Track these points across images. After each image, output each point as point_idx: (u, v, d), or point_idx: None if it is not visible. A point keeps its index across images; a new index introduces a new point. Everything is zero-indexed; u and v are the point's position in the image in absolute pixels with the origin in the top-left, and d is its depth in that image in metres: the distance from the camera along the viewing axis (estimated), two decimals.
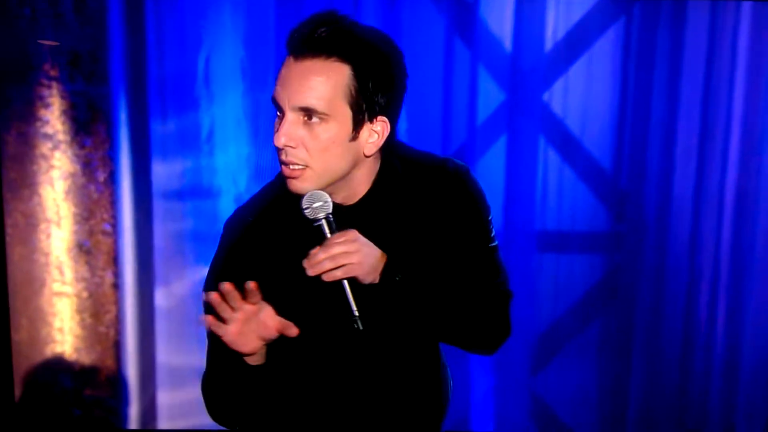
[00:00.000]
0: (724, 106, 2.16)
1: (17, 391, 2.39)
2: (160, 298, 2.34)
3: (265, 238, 1.07)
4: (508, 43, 2.19)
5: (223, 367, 1.05)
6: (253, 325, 1.01)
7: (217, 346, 1.03)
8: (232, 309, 0.99)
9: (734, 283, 2.20)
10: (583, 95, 2.19)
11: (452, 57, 2.19)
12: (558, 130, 2.23)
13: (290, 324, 1.01)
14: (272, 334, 1.01)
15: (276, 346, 1.04)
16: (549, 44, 2.19)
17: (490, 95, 2.21)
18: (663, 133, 2.17)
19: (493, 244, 1.10)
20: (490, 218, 1.10)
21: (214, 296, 0.98)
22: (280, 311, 1.02)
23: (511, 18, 2.18)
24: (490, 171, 2.22)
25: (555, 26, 2.18)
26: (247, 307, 1.00)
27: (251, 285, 0.98)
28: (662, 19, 2.15)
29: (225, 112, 2.23)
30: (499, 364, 2.35)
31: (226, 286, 0.98)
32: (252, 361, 1.03)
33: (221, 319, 1.00)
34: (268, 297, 1.01)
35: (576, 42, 2.17)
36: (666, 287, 2.24)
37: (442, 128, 2.22)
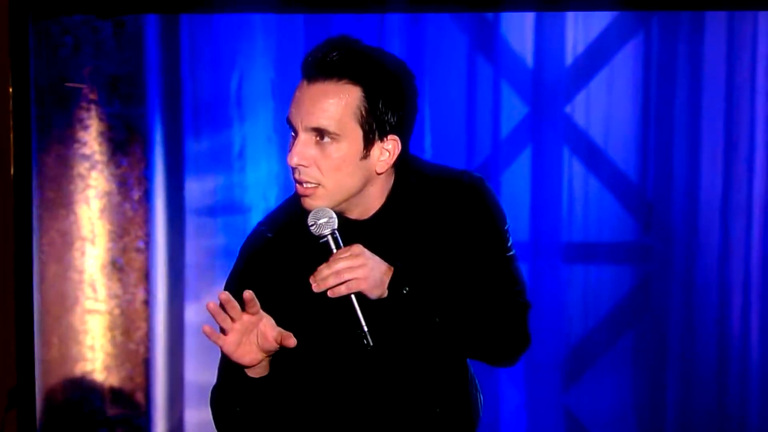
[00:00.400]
0: (747, 113, 2.18)
1: (42, 410, 2.40)
2: (191, 314, 2.37)
3: (281, 253, 1.08)
4: (529, 59, 2.26)
5: (227, 379, 1.05)
6: (253, 336, 1.01)
7: (224, 358, 1.04)
8: (231, 319, 1.00)
9: (766, 290, 2.17)
10: (605, 106, 2.23)
11: (475, 73, 2.26)
12: (582, 141, 2.26)
13: (289, 334, 1.00)
14: (272, 345, 1.00)
15: (286, 361, 1.03)
16: (569, 58, 2.25)
17: (513, 109, 2.27)
18: (687, 142, 2.18)
19: (510, 253, 1.09)
20: (507, 227, 1.09)
21: (211, 306, 0.99)
22: (293, 327, 1.01)
23: (531, 34, 2.25)
24: (516, 183, 2.24)
25: (575, 41, 2.24)
26: (246, 318, 0.99)
27: (248, 295, 0.98)
28: (681, 30, 2.21)
29: (256, 130, 2.31)
30: (530, 379, 2.31)
31: (223, 296, 0.99)
32: (253, 373, 1.02)
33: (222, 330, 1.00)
34: (281, 313, 1.02)
35: (596, 55, 2.23)
36: (697, 297, 2.19)
37: (467, 142, 2.26)
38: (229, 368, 1.04)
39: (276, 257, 1.08)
